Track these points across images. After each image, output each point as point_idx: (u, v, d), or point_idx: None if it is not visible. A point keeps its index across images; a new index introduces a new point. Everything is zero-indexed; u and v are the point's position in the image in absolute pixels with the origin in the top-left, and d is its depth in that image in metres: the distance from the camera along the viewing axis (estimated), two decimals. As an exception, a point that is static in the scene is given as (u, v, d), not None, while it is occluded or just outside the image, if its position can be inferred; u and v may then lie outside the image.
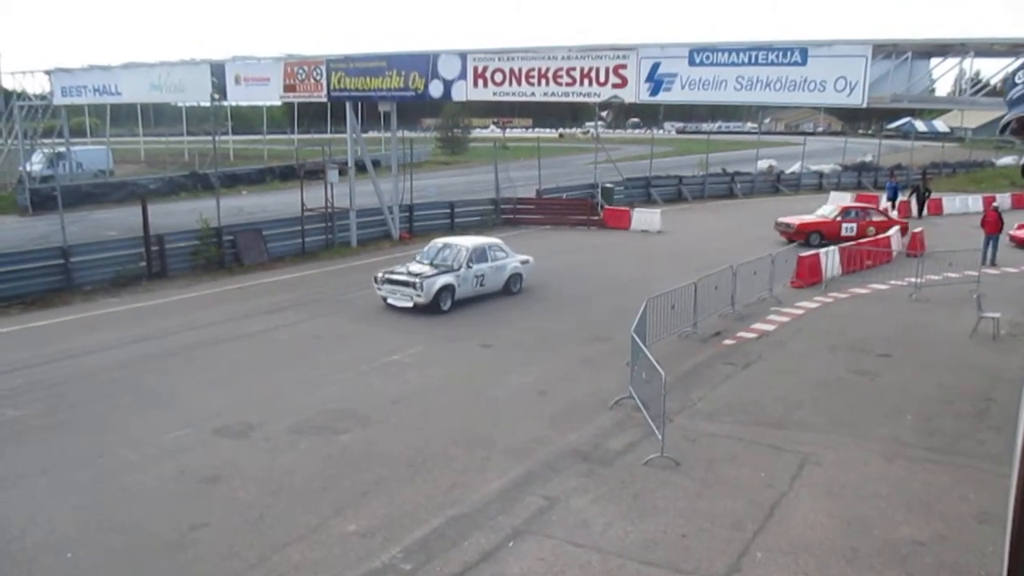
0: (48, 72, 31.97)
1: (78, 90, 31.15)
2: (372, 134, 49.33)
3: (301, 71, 24.89)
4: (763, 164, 48.01)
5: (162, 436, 10.70)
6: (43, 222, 25.52)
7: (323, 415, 11.49)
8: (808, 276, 19.82)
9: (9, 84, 34.66)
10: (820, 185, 45.38)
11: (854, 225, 25.70)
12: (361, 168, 27.19)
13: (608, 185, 34.89)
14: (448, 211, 29.47)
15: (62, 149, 39.07)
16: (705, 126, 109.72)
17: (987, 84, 16.04)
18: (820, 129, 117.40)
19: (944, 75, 16.59)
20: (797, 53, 16.94)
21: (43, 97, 33.02)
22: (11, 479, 9.50)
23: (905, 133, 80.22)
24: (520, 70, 20.85)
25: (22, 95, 33.92)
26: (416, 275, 17.02)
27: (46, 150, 38.16)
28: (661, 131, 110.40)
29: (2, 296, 17.70)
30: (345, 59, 24.22)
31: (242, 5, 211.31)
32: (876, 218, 26.38)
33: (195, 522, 8.51)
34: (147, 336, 15.45)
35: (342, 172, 25.46)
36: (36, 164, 37.18)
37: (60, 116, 36.48)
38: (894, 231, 24.88)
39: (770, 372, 13.60)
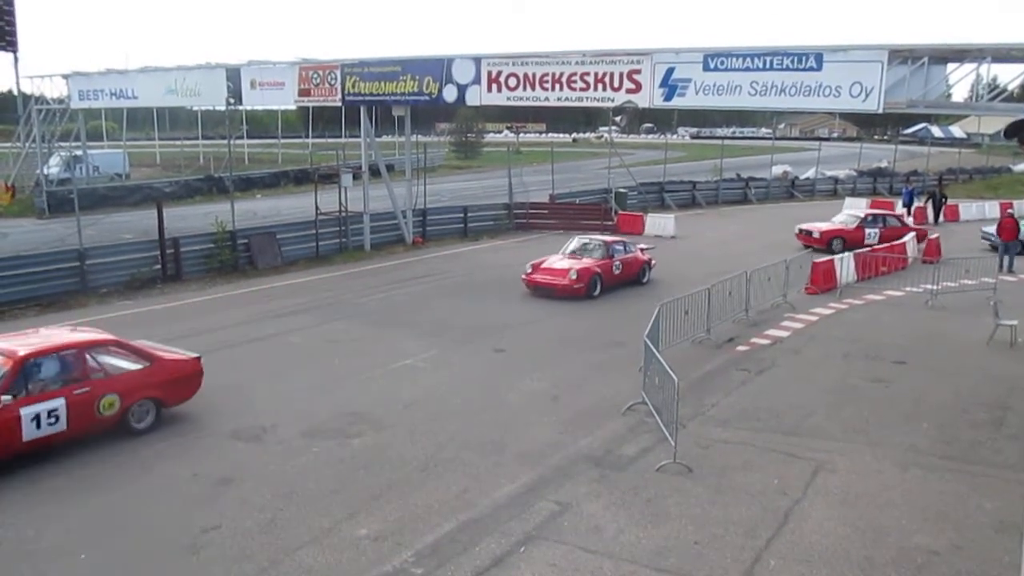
0: (66, 76, 32.29)
1: (95, 94, 31.44)
2: (386, 138, 49.60)
3: (316, 75, 24.99)
4: (778, 170, 47.80)
5: (175, 438, 10.75)
6: (59, 225, 25.78)
7: (336, 419, 11.50)
8: (823, 282, 19.71)
9: (27, 88, 35.00)
10: (835, 191, 45.16)
11: None
12: (375, 172, 27.27)
13: (622, 190, 34.82)
14: (462, 215, 29.49)
15: (79, 152, 39.40)
16: (719, 131, 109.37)
17: (1004, 90, 15.92)
18: (835, 134, 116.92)
19: (961, 80, 16.53)
20: (812, 58, 16.86)
21: (60, 101, 33.36)
22: (27, 479, 9.55)
23: (921, 139, 79.87)
24: (534, 75, 20.85)
25: (40, 99, 34.27)
26: None
27: (63, 153, 38.50)
28: (675, 136, 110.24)
29: (19, 298, 17.84)
30: (359, 63, 24.30)
31: (258, 11, 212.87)
32: None
33: (207, 524, 8.53)
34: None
35: (356, 176, 25.53)
36: (53, 167, 37.58)
37: (77, 120, 36.82)
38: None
39: (784, 379, 13.53)
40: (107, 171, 42.34)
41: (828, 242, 25.10)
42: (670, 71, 18.70)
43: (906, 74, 16.09)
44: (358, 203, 25.40)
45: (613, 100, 20.07)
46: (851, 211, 27.81)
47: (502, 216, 30.42)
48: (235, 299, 19.25)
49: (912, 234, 25.23)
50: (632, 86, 19.35)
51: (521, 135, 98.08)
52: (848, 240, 25.06)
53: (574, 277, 18.81)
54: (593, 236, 21.32)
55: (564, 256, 20.02)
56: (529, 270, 19.65)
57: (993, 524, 8.59)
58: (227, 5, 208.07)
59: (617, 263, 19.92)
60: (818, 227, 26.45)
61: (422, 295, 19.72)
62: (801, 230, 26.80)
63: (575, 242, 20.59)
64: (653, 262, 21.14)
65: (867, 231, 25.69)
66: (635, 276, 20.53)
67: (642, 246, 21.65)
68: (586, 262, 19.46)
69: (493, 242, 27.79)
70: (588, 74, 20.00)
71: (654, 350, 11.38)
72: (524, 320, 17.19)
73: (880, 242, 24.55)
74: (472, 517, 8.73)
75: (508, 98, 21.72)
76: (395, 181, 28.68)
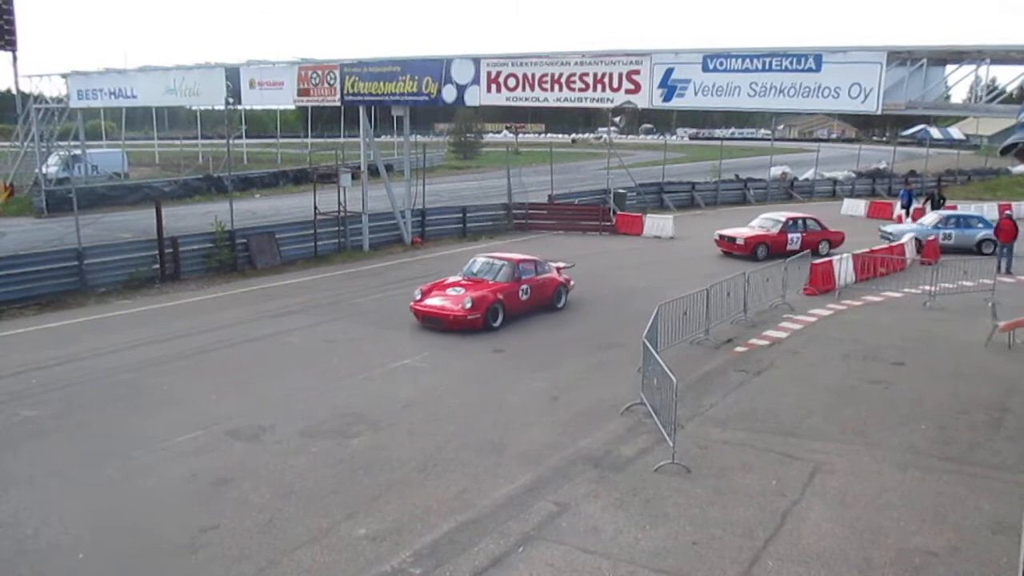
0: (65, 75, 32.32)
1: (94, 93, 31.46)
2: (385, 138, 49.56)
3: (315, 75, 25.00)
4: (776, 171, 47.89)
5: (174, 438, 10.74)
6: (58, 224, 25.72)
7: (335, 419, 11.50)
8: (821, 283, 19.72)
9: (26, 87, 35.07)
10: (834, 192, 45.22)
11: None
12: (374, 172, 27.26)
13: (621, 191, 34.86)
14: (460, 216, 29.51)
15: (78, 152, 39.41)
16: (718, 132, 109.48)
17: (1003, 91, 15.95)
18: (834, 136, 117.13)
19: (959, 82, 16.53)
20: (811, 59, 16.88)
21: (59, 100, 33.38)
22: (25, 479, 9.55)
23: (920, 140, 79.92)
24: (533, 75, 20.87)
25: (39, 98, 34.28)
26: None
27: (62, 153, 38.50)
28: (674, 137, 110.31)
29: (17, 297, 17.85)
30: (359, 64, 24.30)
31: (257, 10, 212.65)
32: None
33: (206, 524, 8.54)
34: (160, 338, 15.52)
35: (355, 176, 25.54)
36: (52, 166, 37.57)
37: (76, 119, 36.82)
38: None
39: (782, 380, 13.53)
40: (106, 170, 42.32)
41: (753, 248, 24.15)
42: (669, 72, 18.72)
43: (905, 75, 16.12)
44: (357, 203, 25.40)
45: (612, 101, 20.08)
46: (770, 215, 26.42)
47: (501, 216, 30.45)
48: (233, 299, 19.25)
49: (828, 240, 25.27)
50: (631, 86, 19.37)
51: (520, 135, 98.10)
52: (772, 246, 24.18)
53: (468, 306, 15.93)
54: (499, 256, 18.19)
55: (462, 279, 17.25)
56: (418, 296, 16.72)
57: (991, 525, 8.60)
58: (227, 5, 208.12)
59: (525, 287, 17.07)
60: (742, 233, 25.20)
61: (421, 295, 19.69)
62: (722, 236, 25.46)
63: (477, 262, 17.71)
64: (572, 283, 18.55)
65: (790, 236, 24.83)
66: (548, 300, 17.78)
67: (559, 265, 18.86)
68: (485, 287, 16.58)
69: (492, 242, 27.75)
70: (587, 75, 20.02)
71: (653, 351, 11.38)
72: (522, 320, 17.17)
73: (801, 247, 23.72)
74: (471, 517, 8.73)
75: (507, 98, 21.74)
76: (394, 181, 28.70)
